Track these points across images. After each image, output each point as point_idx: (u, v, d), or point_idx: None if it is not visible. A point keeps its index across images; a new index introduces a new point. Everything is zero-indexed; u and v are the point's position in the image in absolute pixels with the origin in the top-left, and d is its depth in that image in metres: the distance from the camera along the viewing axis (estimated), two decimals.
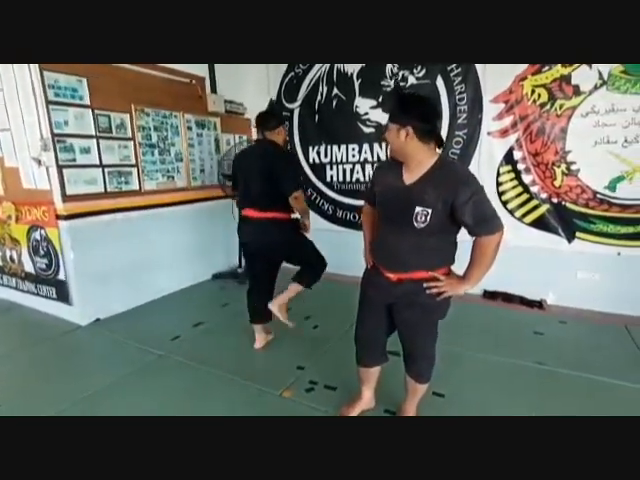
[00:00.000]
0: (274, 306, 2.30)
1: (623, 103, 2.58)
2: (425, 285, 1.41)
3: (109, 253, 2.89)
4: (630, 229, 2.71)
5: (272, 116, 2.26)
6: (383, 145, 3.42)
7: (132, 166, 2.98)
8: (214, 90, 3.61)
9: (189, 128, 3.40)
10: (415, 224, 1.31)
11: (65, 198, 2.59)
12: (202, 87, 3.49)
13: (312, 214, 3.91)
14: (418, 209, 1.30)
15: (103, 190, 2.80)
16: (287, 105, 3.83)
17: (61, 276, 2.80)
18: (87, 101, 2.64)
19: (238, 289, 3.59)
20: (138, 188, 3.04)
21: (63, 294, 2.84)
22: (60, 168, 2.53)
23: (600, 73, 2.62)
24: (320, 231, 4.11)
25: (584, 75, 2.65)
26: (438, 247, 1.38)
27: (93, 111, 2.68)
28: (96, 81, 2.67)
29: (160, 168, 3.20)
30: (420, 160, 1.33)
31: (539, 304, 3.03)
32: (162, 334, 2.65)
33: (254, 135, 4.10)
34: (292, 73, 3.74)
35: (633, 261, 2.74)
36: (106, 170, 2.80)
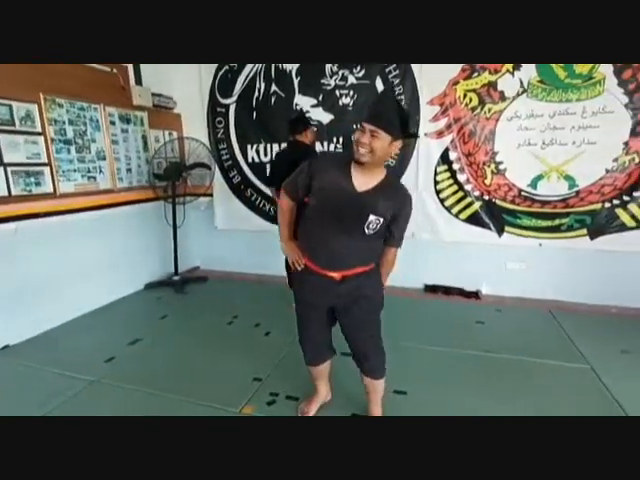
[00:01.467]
0: None
1: (541, 109, 2.86)
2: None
3: (19, 268, 2.46)
4: (549, 222, 3.02)
5: (299, 121, 2.65)
6: (325, 144, 3.39)
7: (44, 165, 2.57)
8: (139, 82, 3.27)
9: (112, 123, 3.03)
10: (366, 231, 1.37)
11: None
12: (125, 77, 3.13)
13: (252, 215, 3.79)
14: (372, 217, 1.35)
15: (7, 193, 2.36)
16: (221, 100, 3.61)
17: None
18: None
19: (176, 299, 3.32)
20: (52, 190, 2.63)
21: None
22: None
23: (521, 81, 2.87)
24: (259, 233, 3.99)
25: (508, 82, 2.88)
26: (376, 247, 1.49)
27: None
28: None
29: (79, 167, 2.81)
30: (380, 170, 1.40)
31: (475, 294, 3.25)
32: (92, 356, 2.32)
33: (185, 132, 3.82)
34: (226, 67, 3.53)
35: (552, 251, 3.06)
36: (9, 169, 2.37)
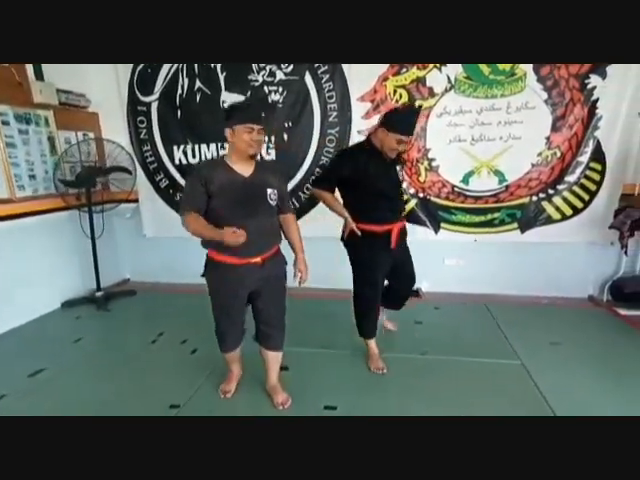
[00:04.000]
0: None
1: (468, 105, 2.86)
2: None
3: None
4: (482, 218, 3.04)
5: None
6: None
7: None
8: (40, 77, 2.90)
9: (5, 123, 2.64)
10: (270, 202, 1.62)
11: None
12: (21, 72, 2.76)
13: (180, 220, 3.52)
14: (269, 190, 1.62)
15: None
16: (142, 98, 3.31)
17: None
18: None
19: (97, 317, 3.00)
20: None
21: None
22: None
23: (448, 77, 2.85)
24: (191, 239, 3.68)
25: (436, 78, 2.86)
26: (277, 226, 1.73)
27: None
28: None
29: None
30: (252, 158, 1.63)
31: (416, 293, 3.21)
32: None
33: (104, 133, 3.47)
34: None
35: (487, 246, 3.09)
36: None
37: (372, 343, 2.21)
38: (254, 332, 1.85)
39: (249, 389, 1.98)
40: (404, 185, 3.09)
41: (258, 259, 1.62)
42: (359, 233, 2.00)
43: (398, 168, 2.08)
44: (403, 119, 1.91)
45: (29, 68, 2.83)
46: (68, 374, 2.18)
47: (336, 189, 2.08)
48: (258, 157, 1.68)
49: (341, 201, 2.07)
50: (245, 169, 1.61)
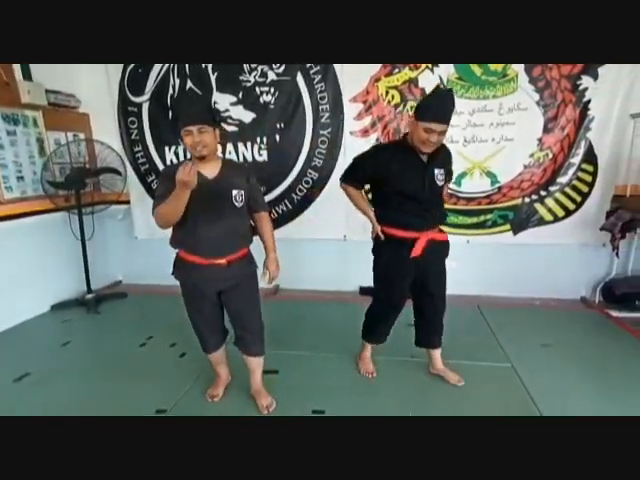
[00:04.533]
0: None
1: (461, 106, 2.83)
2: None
3: None
4: (475, 219, 3.04)
5: None
6: (249, 144, 3.18)
7: None
8: (28, 76, 2.86)
9: None
10: (235, 204, 1.60)
11: None
12: (8, 71, 2.72)
13: None
14: (234, 192, 1.59)
15: None
16: (133, 99, 3.28)
17: None
18: None
19: (86, 320, 2.97)
20: None
21: None
22: None
23: (440, 78, 2.84)
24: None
25: (428, 79, 2.85)
26: (246, 228, 1.71)
27: None
28: None
29: None
30: (216, 158, 1.63)
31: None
32: None
33: (94, 133, 3.44)
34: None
35: (478, 247, 3.08)
36: None
37: (369, 347, 2.17)
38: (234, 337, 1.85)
39: (237, 393, 1.97)
40: None
41: (223, 260, 1.61)
42: (382, 237, 1.85)
43: (438, 171, 1.76)
44: (431, 103, 1.63)
45: (17, 68, 2.79)
46: (52, 379, 2.15)
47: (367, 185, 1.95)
48: (220, 156, 1.67)
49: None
50: (209, 171, 1.58)
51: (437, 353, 2.07)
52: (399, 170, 1.73)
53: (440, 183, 1.79)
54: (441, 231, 1.90)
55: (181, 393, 1.98)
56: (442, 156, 1.79)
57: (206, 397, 1.92)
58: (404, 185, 1.75)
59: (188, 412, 1.83)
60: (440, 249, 1.88)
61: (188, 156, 3.29)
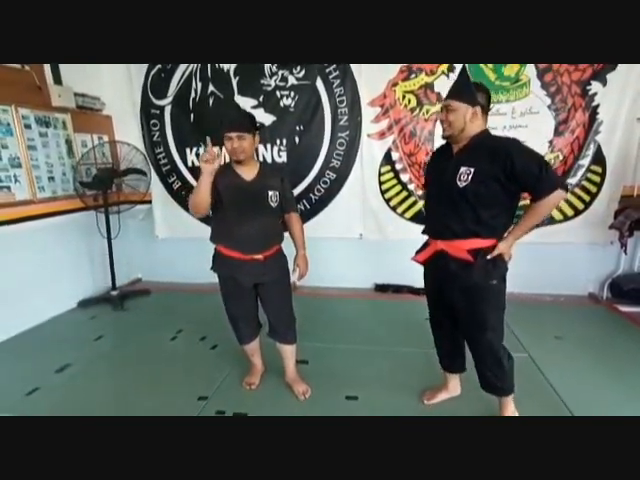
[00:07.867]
0: None
1: None
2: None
3: None
4: None
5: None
6: (269, 146, 3.30)
7: None
8: (58, 81, 2.97)
9: (27, 126, 2.72)
10: (271, 204, 1.73)
11: None
12: (41, 75, 2.83)
13: (194, 222, 3.57)
14: (270, 192, 1.73)
15: None
16: (155, 102, 3.39)
17: None
18: None
19: (113, 316, 3.08)
20: None
21: None
22: None
23: None
24: (203, 240, 3.75)
25: (444, 84, 2.96)
26: (280, 226, 1.84)
27: None
28: None
29: None
30: (254, 163, 1.77)
31: (424, 291, 3.31)
32: (9, 389, 2.07)
33: (117, 135, 3.55)
34: (159, 65, 3.32)
35: None
36: None
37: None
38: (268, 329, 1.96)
39: (272, 382, 2.08)
40: (411, 187, 3.20)
41: (260, 256, 1.73)
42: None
43: (465, 169, 1.44)
44: (453, 83, 1.50)
45: (48, 72, 2.90)
46: (93, 369, 2.27)
47: None
48: (257, 159, 1.81)
49: None
50: (248, 173, 1.72)
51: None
52: (432, 169, 1.67)
53: (462, 184, 1.43)
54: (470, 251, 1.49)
55: (219, 381, 2.09)
56: (481, 152, 1.43)
57: (244, 385, 2.03)
58: (430, 185, 1.66)
59: (229, 397, 1.95)
60: (457, 273, 1.52)
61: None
